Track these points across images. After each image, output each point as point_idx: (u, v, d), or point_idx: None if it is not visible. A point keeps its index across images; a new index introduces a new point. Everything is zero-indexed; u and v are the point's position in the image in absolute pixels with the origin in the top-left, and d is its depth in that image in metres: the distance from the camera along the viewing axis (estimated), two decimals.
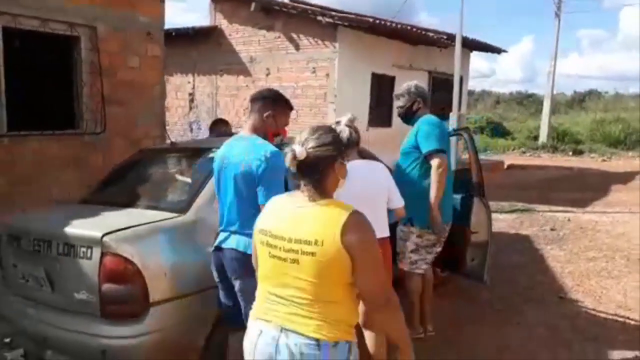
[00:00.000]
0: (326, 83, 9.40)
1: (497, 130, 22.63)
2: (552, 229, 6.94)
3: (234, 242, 2.55)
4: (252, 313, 1.90)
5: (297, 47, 9.70)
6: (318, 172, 1.77)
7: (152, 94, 6.96)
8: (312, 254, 1.68)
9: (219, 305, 2.72)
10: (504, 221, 7.57)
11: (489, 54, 14.76)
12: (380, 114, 10.57)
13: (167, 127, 11.82)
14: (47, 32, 5.89)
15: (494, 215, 7.84)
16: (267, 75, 10.11)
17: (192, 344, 2.77)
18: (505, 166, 14.50)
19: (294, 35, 9.68)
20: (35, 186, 5.66)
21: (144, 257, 2.61)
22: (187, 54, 11.26)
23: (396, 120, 10.66)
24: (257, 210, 2.32)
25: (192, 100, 11.40)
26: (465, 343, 3.77)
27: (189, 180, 3.23)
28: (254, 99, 2.72)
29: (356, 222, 1.70)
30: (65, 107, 6.25)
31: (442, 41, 11.21)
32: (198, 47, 11.05)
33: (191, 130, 11.43)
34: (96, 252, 2.63)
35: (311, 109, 9.61)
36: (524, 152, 19.24)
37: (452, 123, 8.52)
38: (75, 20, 6.08)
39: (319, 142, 1.77)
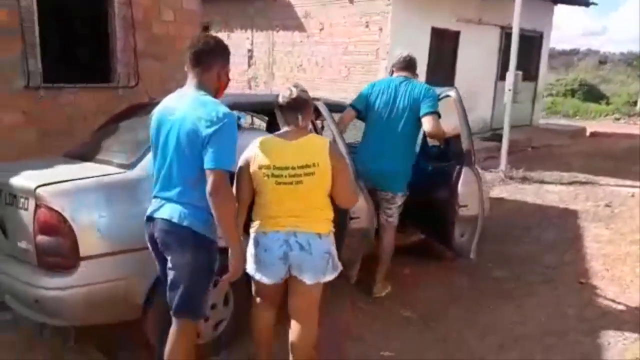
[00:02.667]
0: (379, 38, 8.93)
1: (591, 94, 20.65)
2: (607, 205, 6.20)
3: (167, 212, 2.27)
4: (256, 229, 2.49)
5: (351, 0, 9.26)
6: (303, 111, 2.50)
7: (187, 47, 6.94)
8: (312, 173, 2.40)
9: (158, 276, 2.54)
10: (556, 193, 6.88)
11: (600, 8, 13.21)
12: (441, 72, 9.92)
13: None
14: None
15: (547, 187, 7.25)
16: (321, 30, 9.79)
17: (127, 301, 2.73)
18: (588, 133, 13.22)
19: None
20: (68, 138, 5.88)
21: (74, 211, 2.58)
22: (245, 10, 11.19)
23: (460, 79, 10.06)
24: (199, 175, 2.19)
25: (250, 57, 11.36)
26: (454, 320, 3.49)
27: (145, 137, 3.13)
28: (200, 51, 2.32)
29: (335, 148, 2.58)
30: (100, 61, 6.41)
31: None
32: (255, 2, 10.90)
33: (250, 87, 11.44)
34: (32, 204, 2.64)
35: (363, 66, 9.21)
36: (617, 119, 17.44)
37: (507, 83, 7.81)
38: None
39: (303, 90, 2.54)
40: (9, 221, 2.82)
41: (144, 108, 3.50)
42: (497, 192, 7.01)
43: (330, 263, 2.51)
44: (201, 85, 2.33)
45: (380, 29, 8.87)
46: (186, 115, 2.23)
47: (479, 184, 3.62)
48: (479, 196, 3.62)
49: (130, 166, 2.88)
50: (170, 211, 2.28)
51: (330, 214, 2.55)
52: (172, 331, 2.37)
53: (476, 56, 10.40)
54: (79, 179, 2.71)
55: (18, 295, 2.77)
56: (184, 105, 2.27)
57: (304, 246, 2.43)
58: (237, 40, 11.55)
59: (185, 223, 2.24)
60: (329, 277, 2.52)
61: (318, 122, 4.62)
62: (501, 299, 3.81)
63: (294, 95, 2.49)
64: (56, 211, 2.55)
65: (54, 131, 5.76)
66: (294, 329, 2.54)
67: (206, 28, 12.16)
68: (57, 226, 2.56)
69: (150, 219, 2.36)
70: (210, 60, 2.34)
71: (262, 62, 11.11)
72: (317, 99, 3.30)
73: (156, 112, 2.41)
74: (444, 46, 9.91)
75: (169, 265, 2.31)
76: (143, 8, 6.52)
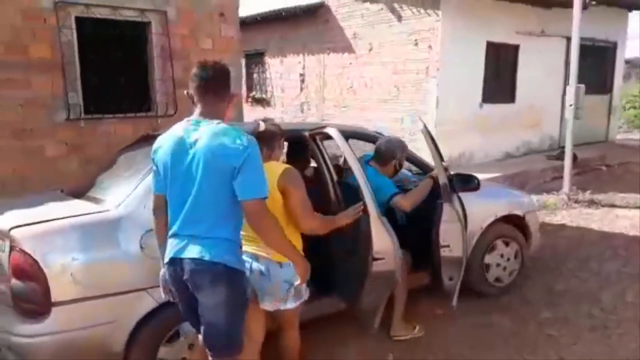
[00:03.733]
0: (429, 56, 8.52)
1: None
2: None
3: (196, 250, 2.10)
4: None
5: (399, 18, 8.94)
6: (267, 143, 2.52)
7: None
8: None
9: (183, 318, 2.43)
10: (628, 219, 6.13)
11: None
12: (499, 87, 9.35)
13: (278, 108, 11.96)
14: (118, 20, 6.14)
15: (618, 212, 6.49)
16: (370, 50, 9.51)
17: (105, 350, 2.55)
18: None
19: (396, 6, 8.92)
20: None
21: (46, 254, 2.45)
22: (298, 34, 11.15)
23: (521, 94, 9.45)
24: (229, 207, 2.11)
25: (302, 81, 11.28)
26: None
27: (138, 172, 2.98)
28: (214, 80, 2.19)
29: (290, 173, 2.46)
30: (138, 91, 6.49)
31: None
32: (308, 26, 10.84)
33: (302, 111, 11.35)
34: (7, 245, 2.54)
35: (413, 85, 8.82)
36: None
37: (568, 99, 7.15)
38: (145, 6, 6.23)
39: (274, 124, 2.70)
40: None
41: (147, 141, 3.37)
42: (558, 217, 6.37)
43: (291, 292, 2.45)
44: (215, 114, 2.19)
45: (430, 47, 8.47)
46: (210, 146, 2.08)
47: (461, 223, 3.13)
48: (462, 236, 3.14)
49: (113, 205, 2.72)
50: (199, 249, 2.11)
51: (294, 243, 2.36)
52: None
53: (539, 70, 9.72)
54: (54, 219, 2.59)
55: None
56: (204, 136, 2.11)
57: (263, 272, 2.43)
58: (289, 66, 11.55)
59: (217, 259, 2.10)
60: (290, 306, 2.49)
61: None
62: (543, 348, 3.31)
63: (260, 128, 2.57)
64: (28, 254, 2.43)
65: (94, 159, 5.83)
66: (279, 335, 2.68)
67: (261, 54, 12.30)
68: (29, 270, 2.44)
69: (174, 260, 2.17)
70: (224, 89, 2.23)
71: (313, 85, 10.98)
72: (323, 127, 3.04)
73: (165, 143, 2.20)
74: (502, 61, 9.31)
75: (203, 305, 2.15)
76: (181, 37, 6.58)
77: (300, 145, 3.35)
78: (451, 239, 3.14)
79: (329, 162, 3.11)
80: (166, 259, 2.21)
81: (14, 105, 5.69)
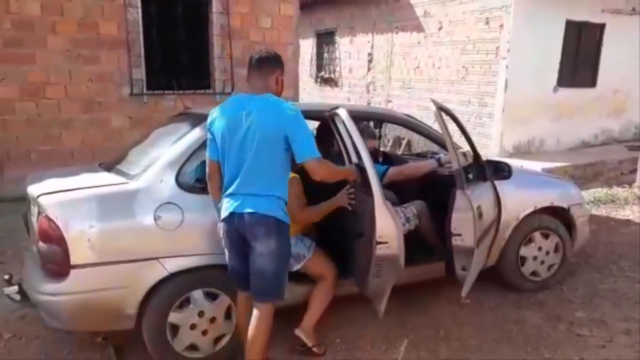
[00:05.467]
0: (500, 35, 8.09)
1: None
2: None
3: (252, 205, 2.45)
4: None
5: None
6: None
7: (285, 54, 6.97)
8: None
9: (230, 271, 2.67)
10: None
11: None
12: (578, 70, 8.72)
13: (345, 88, 11.88)
14: None
15: None
16: (439, 29, 9.19)
17: (119, 311, 2.73)
18: None
19: None
20: None
21: (67, 220, 2.63)
22: (368, 13, 10.99)
23: (604, 78, 8.79)
24: (280, 170, 2.50)
25: (370, 61, 11.13)
26: None
27: (162, 147, 3.11)
28: (262, 59, 2.59)
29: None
30: (198, 69, 6.73)
31: None
32: (378, 4, 10.65)
33: (368, 91, 11.23)
34: (36, 211, 2.77)
35: (481, 66, 8.43)
36: None
37: None
38: None
39: None
40: (31, 225, 3.00)
41: (188, 117, 3.51)
42: (626, 212, 5.92)
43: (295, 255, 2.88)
44: (266, 88, 2.54)
45: (501, 26, 8.03)
46: (264, 116, 2.44)
47: (473, 212, 2.94)
48: (473, 225, 2.96)
49: (133, 177, 2.87)
50: (256, 205, 2.45)
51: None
52: (255, 315, 2.53)
53: (627, 52, 8.94)
54: (78, 188, 2.77)
55: (31, 296, 2.92)
56: (257, 107, 2.46)
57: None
58: (359, 45, 11.44)
59: (270, 213, 2.45)
60: (308, 256, 2.97)
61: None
62: (566, 348, 3.13)
63: None
64: (52, 219, 2.63)
65: None
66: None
67: (332, 34, 12.26)
68: (52, 234, 2.63)
69: (232, 215, 2.48)
70: (273, 66, 2.59)
71: (380, 65, 10.81)
72: (337, 107, 3.01)
73: (221, 115, 2.54)
74: (583, 42, 8.64)
75: (257, 253, 2.48)
76: (241, 16, 6.72)
77: (326, 126, 3.34)
78: (464, 228, 3.01)
79: (347, 142, 3.07)
80: (224, 214, 2.52)
81: (84, 79, 6.11)
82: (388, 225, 2.66)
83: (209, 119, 2.59)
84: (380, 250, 2.68)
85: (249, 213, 2.44)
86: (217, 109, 2.59)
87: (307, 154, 2.42)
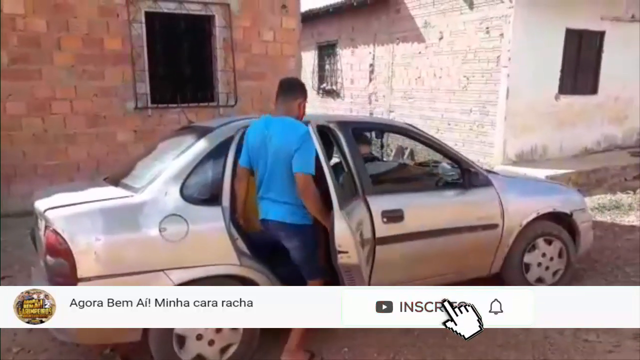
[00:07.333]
0: (500, 44, 8.15)
1: None
2: None
3: (271, 214, 2.94)
4: None
5: (470, 5, 8.60)
6: None
7: (287, 66, 7.06)
8: None
9: None
10: None
11: None
12: (579, 78, 8.75)
13: (347, 99, 11.94)
14: (183, 14, 6.45)
15: None
16: (440, 39, 9.25)
17: None
18: None
19: None
20: None
21: (74, 234, 2.66)
22: (369, 25, 11.08)
23: (605, 85, 8.80)
24: (290, 180, 2.83)
25: (371, 72, 11.20)
26: None
27: (167, 161, 3.15)
28: (287, 87, 3.03)
29: None
30: (201, 82, 6.79)
31: None
32: (379, 16, 10.74)
33: (370, 102, 11.28)
34: (43, 225, 2.81)
35: (483, 74, 8.48)
36: None
37: None
38: None
39: None
40: (38, 239, 3.03)
41: (191, 130, 3.55)
42: (630, 219, 5.92)
43: None
44: (287, 112, 2.95)
45: (501, 34, 8.09)
46: (280, 135, 2.87)
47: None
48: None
49: (139, 190, 2.91)
50: (273, 213, 2.94)
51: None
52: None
53: (628, 59, 8.97)
54: (84, 202, 2.81)
55: None
56: (276, 129, 2.90)
57: None
58: (360, 57, 11.52)
59: (284, 220, 2.91)
60: None
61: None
62: (572, 353, 3.13)
63: None
64: (58, 233, 2.67)
65: None
66: None
67: (333, 46, 12.35)
68: (59, 248, 2.66)
69: (262, 220, 3.01)
70: (297, 94, 3.01)
71: (382, 76, 10.88)
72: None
73: (254, 131, 3.00)
74: (583, 49, 8.69)
75: (287, 247, 2.98)
76: (243, 29, 6.79)
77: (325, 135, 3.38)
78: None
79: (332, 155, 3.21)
80: (260, 217, 3.03)
81: (89, 94, 6.18)
82: (345, 236, 2.67)
83: (247, 132, 3.03)
84: (342, 260, 2.70)
85: (270, 220, 2.96)
86: (252, 125, 3.05)
87: (300, 167, 2.78)
